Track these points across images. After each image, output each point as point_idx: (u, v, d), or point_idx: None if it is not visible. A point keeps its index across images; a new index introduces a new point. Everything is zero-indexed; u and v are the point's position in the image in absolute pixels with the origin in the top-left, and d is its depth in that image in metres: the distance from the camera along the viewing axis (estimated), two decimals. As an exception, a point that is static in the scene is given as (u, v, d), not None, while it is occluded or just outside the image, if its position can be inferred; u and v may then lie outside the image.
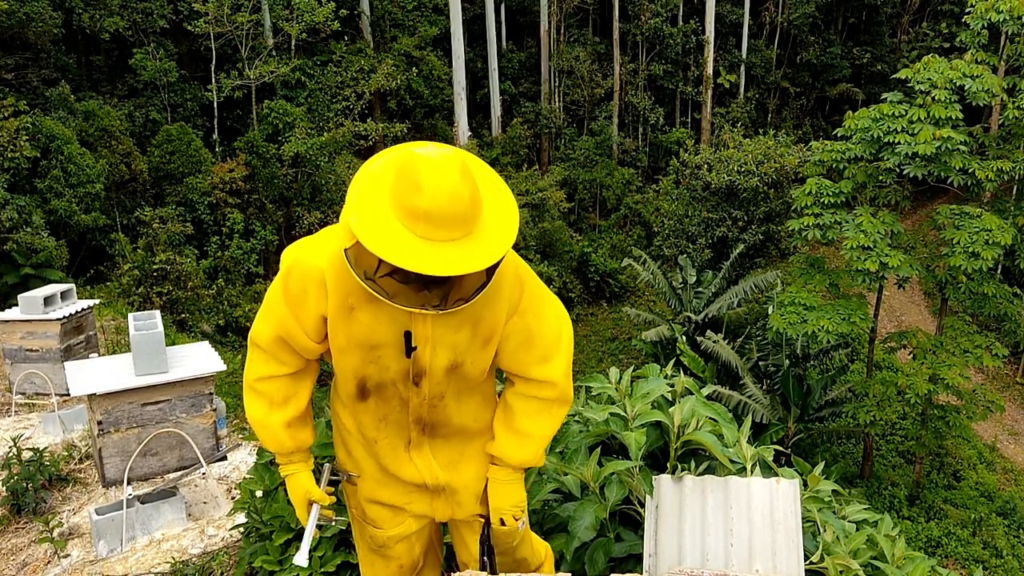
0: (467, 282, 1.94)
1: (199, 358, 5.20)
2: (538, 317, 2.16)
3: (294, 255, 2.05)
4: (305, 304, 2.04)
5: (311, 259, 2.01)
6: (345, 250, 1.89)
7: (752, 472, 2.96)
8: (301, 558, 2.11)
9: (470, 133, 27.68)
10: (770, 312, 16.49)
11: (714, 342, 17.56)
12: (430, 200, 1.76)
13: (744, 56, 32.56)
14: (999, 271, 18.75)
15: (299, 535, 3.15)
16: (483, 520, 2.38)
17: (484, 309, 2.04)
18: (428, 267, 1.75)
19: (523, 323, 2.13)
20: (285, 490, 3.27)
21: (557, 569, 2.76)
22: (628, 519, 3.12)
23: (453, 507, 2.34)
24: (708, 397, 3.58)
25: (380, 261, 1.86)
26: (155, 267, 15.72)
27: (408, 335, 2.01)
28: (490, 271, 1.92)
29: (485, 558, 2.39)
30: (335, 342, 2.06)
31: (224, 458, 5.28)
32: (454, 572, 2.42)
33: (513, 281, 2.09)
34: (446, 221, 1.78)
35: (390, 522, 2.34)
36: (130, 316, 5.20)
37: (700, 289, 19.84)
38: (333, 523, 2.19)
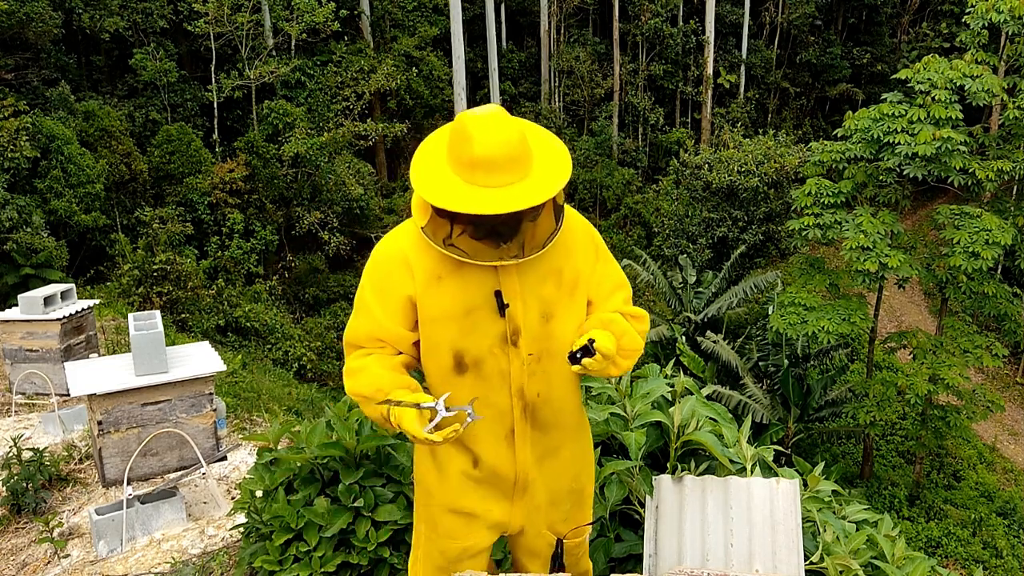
0: (539, 231, 2.11)
1: (199, 358, 5.21)
2: (615, 264, 2.34)
3: (375, 249, 2.22)
4: (391, 288, 2.15)
5: (391, 244, 2.18)
6: (422, 227, 2.08)
7: (752, 472, 2.97)
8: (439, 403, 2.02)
9: (470, 133, 27.63)
10: (770, 312, 16.48)
11: (714, 342, 17.54)
12: (481, 147, 1.93)
13: (744, 56, 32.54)
14: (999, 271, 18.75)
15: (299, 535, 3.16)
16: (555, 541, 2.43)
17: (564, 260, 2.19)
18: (489, 207, 1.92)
19: (608, 269, 2.31)
20: (286, 490, 3.27)
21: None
22: (628, 519, 3.13)
23: (530, 511, 2.35)
24: (708, 397, 3.58)
25: (453, 224, 2.03)
26: (155, 267, 15.71)
27: (499, 293, 2.11)
28: (558, 218, 2.11)
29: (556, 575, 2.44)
30: (428, 314, 2.14)
31: (224, 458, 5.28)
32: None
33: (584, 231, 2.26)
34: (499, 164, 1.94)
35: (464, 532, 2.35)
36: (130, 316, 5.20)
37: (700, 289, 19.82)
38: (469, 416, 2.05)
